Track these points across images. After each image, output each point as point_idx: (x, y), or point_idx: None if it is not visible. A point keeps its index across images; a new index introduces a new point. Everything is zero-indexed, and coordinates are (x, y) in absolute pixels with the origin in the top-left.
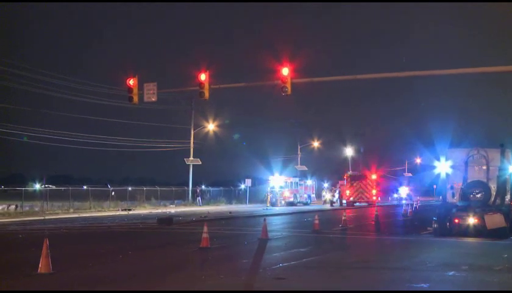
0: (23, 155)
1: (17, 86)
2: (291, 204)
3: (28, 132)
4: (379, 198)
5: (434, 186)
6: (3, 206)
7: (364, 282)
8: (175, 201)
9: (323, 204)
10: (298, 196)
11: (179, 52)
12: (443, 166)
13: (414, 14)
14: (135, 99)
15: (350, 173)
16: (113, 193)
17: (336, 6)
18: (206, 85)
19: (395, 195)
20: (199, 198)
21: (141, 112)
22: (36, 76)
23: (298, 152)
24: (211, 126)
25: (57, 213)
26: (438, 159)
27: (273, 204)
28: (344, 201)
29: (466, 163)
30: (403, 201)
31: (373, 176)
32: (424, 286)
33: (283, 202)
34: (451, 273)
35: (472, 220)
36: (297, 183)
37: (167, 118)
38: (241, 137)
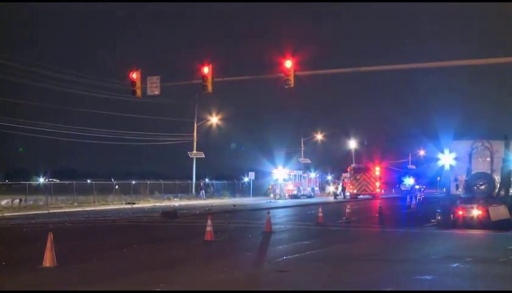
0: (27, 150)
1: (21, 81)
2: (294, 197)
3: (32, 126)
4: (383, 191)
5: (438, 178)
6: (8, 200)
7: (367, 275)
8: (179, 195)
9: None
10: (301, 189)
11: (182, 46)
12: (447, 158)
13: (416, 12)
14: (138, 92)
15: (353, 165)
16: (116, 186)
17: (337, 4)
18: (210, 78)
19: (402, 187)
20: (203, 191)
21: (145, 106)
22: (41, 71)
23: (302, 145)
24: (214, 119)
25: (61, 207)
26: (442, 151)
27: (277, 197)
28: (348, 194)
29: (470, 155)
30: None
31: (377, 169)
32: (428, 278)
33: (286, 195)
34: (455, 265)
35: (476, 212)
36: (300, 176)
37: (171, 111)
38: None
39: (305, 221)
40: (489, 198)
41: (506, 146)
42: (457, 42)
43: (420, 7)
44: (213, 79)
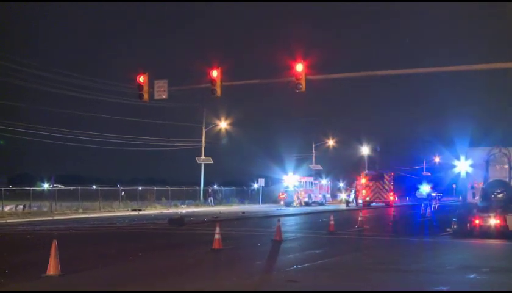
0: (32, 155)
1: (25, 84)
2: (305, 204)
3: (36, 130)
4: (396, 198)
5: (454, 185)
6: (12, 206)
7: (380, 285)
8: (187, 201)
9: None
10: (313, 196)
11: (191, 49)
12: (463, 166)
13: (433, 14)
14: (145, 96)
15: (366, 172)
16: (122, 193)
17: (350, 7)
18: (218, 82)
19: (418, 195)
20: (211, 197)
21: (152, 110)
22: (45, 74)
23: (313, 151)
24: (223, 124)
25: (66, 214)
26: (458, 158)
27: (287, 204)
28: (360, 201)
29: (487, 162)
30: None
31: (390, 176)
32: (444, 289)
33: (297, 202)
34: (471, 276)
35: (493, 221)
36: (311, 183)
37: (179, 116)
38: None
39: (316, 229)
40: (507, 207)
41: None
42: (475, 46)
43: (438, 9)
44: (221, 82)
